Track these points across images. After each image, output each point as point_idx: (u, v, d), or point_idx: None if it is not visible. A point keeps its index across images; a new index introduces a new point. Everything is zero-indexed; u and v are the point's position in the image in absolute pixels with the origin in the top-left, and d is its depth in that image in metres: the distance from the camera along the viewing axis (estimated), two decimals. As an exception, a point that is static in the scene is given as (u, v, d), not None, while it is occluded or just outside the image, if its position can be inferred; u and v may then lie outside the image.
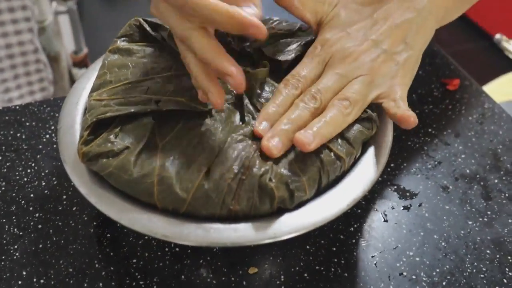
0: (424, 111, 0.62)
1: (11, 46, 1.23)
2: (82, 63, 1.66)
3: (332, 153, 0.40)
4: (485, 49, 2.38)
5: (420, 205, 0.51)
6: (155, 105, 0.40)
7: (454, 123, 0.61)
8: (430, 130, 0.60)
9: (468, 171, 0.55)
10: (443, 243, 0.47)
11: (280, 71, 0.46)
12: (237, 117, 0.42)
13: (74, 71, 1.57)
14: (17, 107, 0.59)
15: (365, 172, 0.41)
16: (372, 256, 0.46)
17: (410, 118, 0.40)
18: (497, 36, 1.00)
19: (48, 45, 1.36)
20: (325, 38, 0.45)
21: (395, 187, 0.53)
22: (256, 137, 0.40)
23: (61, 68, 1.42)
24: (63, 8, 1.54)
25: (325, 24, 0.47)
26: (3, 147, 0.54)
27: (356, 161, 0.42)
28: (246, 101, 0.43)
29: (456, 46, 2.35)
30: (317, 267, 0.45)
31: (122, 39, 0.48)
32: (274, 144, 0.38)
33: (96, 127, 0.40)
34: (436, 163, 0.56)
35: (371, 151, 0.43)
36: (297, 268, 0.45)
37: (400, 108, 0.41)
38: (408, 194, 0.52)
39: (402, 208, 0.50)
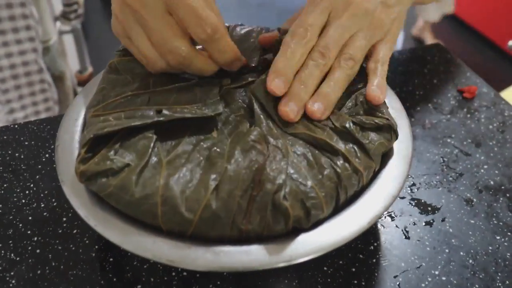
0: (442, 120, 0.59)
1: (15, 66, 1.22)
2: (87, 82, 1.65)
3: (349, 166, 0.37)
4: (493, 59, 2.35)
5: (443, 220, 0.48)
6: (157, 116, 0.37)
7: (473, 133, 0.58)
8: (449, 140, 0.57)
9: (492, 182, 0.52)
10: (470, 261, 0.44)
11: None
12: (246, 126, 0.39)
13: (79, 90, 1.56)
14: (16, 126, 0.57)
15: (386, 186, 0.38)
16: (395, 277, 0.43)
17: (375, 97, 0.41)
18: (510, 43, 0.98)
19: (52, 65, 1.35)
20: None
21: (416, 201, 0.49)
22: (269, 136, 0.38)
23: (66, 88, 1.41)
24: (67, 28, 1.53)
25: None
26: (1, 168, 0.52)
27: (375, 175, 0.39)
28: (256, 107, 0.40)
29: (465, 57, 2.33)
30: (335, 290, 0.41)
31: (123, 53, 0.45)
32: (291, 108, 0.39)
33: (95, 143, 0.37)
34: (457, 175, 0.52)
35: (391, 163, 0.40)
36: (314, 292, 0.41)
37: (376, 76, 0.42)
38: (429, 208, 0.49)
39: (424, 223, 0.47)
